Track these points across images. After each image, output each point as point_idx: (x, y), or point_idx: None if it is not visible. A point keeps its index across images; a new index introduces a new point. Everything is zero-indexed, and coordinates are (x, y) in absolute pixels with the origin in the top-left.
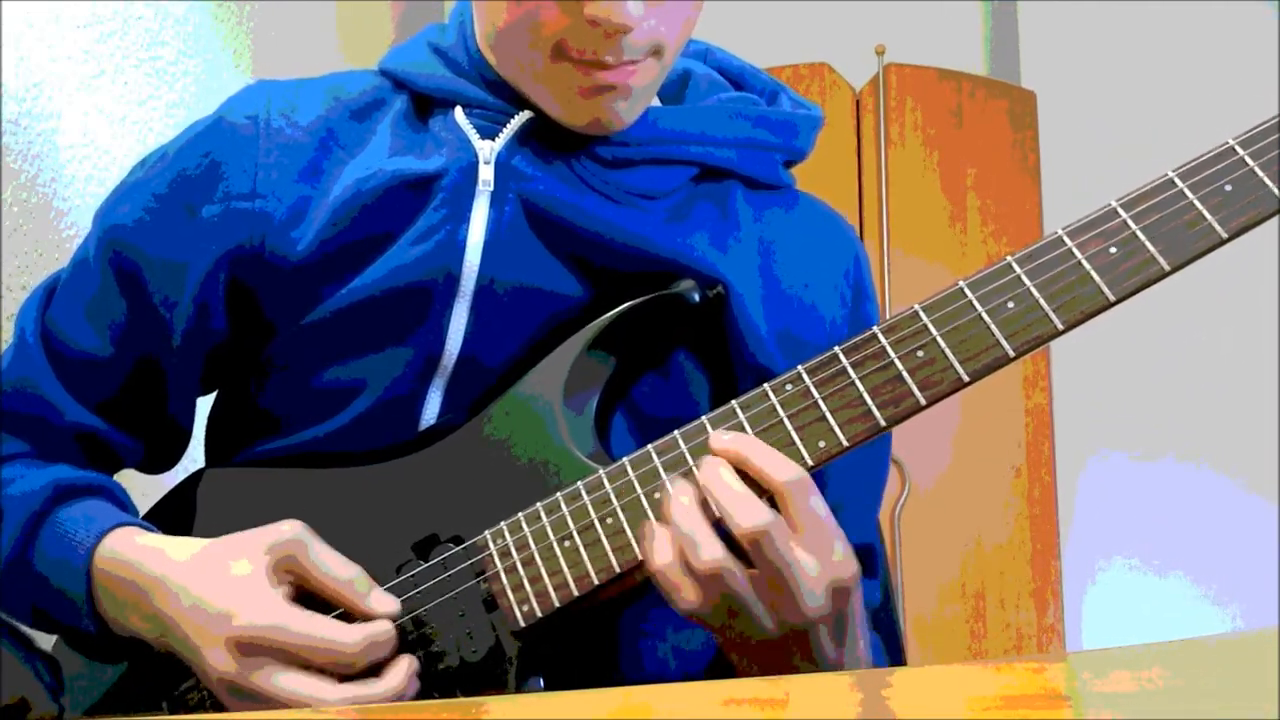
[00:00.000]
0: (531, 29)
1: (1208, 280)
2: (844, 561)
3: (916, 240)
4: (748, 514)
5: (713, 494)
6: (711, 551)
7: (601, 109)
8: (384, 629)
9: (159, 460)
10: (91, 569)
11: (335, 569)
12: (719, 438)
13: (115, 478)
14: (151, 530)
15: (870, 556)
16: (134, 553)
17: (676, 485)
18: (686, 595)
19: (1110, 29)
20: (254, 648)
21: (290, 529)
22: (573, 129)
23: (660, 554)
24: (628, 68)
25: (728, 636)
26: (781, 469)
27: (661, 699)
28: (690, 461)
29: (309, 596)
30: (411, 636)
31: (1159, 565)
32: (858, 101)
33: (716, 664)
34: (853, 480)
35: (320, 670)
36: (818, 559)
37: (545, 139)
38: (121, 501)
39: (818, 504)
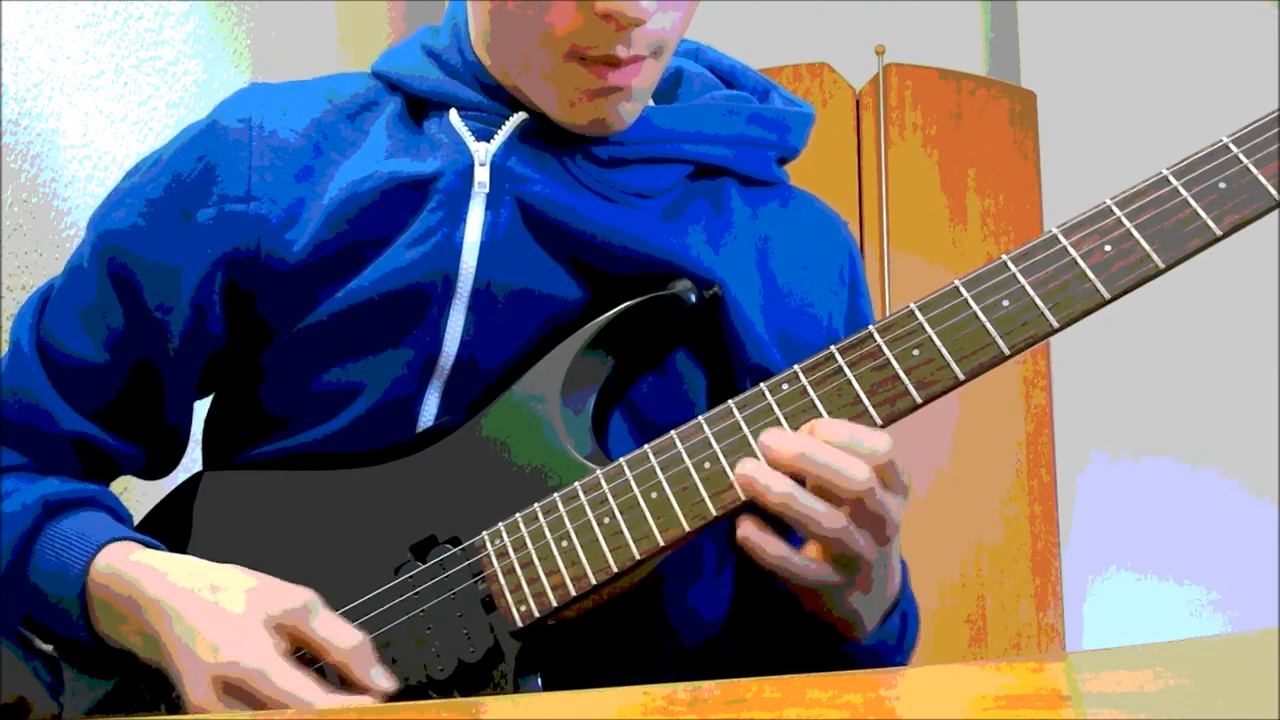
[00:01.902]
0: (543, 28)
1: (1209, 279)
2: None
3: (916, 240)
4: (856, 469)
5: (816, 458)
6: (860, 471)
7: (605, 110)
8: (366, 704)
9: (158, 466)
10: (86, 584)
11: (338, 639)
12: (777, 442)
13: (115, 483)
14: (148, 544)
15: None
16: (131, 570)
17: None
18: (822, 514)
19: (1110, 29)
20: (234, 688)
21: (299, 597)
22: (573, 130)
23: (778, 485)
24: (633, 68)
25: (826, 577)
26: (877, 441)
27: (661, 698)
28: (688, 462)
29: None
30: (410, 638)
31: (1159, 565)
32: (858, 101)
33: (713, 663)
34: None
35: None
36: (898, 494)
37: (540, 140)
38: (114, 510)
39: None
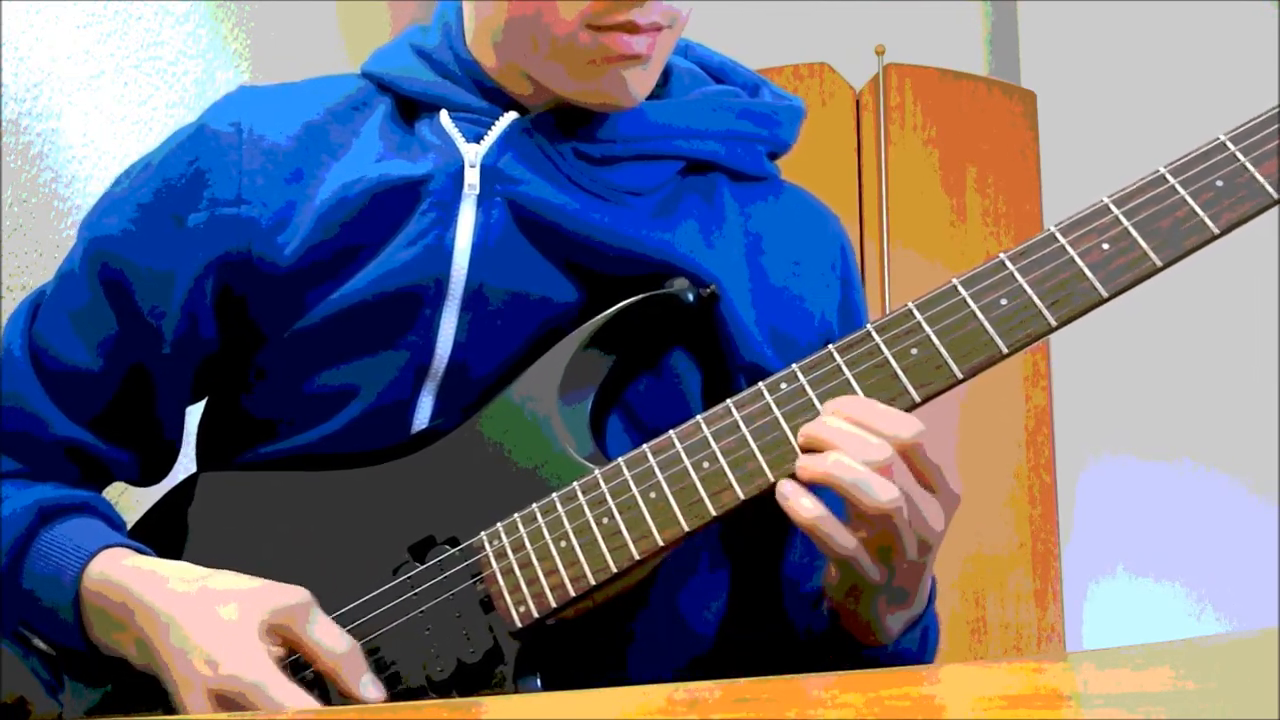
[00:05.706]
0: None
1: (1208, 278)
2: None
3: (916, 240)
4: (906, 426)
5: (862, 420)
6: (888, 491)
7: (616, 80)
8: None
9: (151, 472)
10: (80, 590)
11: (330, 644)
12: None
13: (112, 487)
14: (142, 551)
15: None
16: (124, 575)
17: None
18: (845, 540)
19: (1110, 29)
20: (232, 703)
21: (296, 596)
22: (585, 106)
23: (808, 510)
24: (650, 36)
25: (867, 578)
26: (903, 427)
27: (661, 699)
28: (686, 461)
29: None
30: (409, 639)
31: (1159, 565)
32: (858, 101)
33: (710, 663)
34: None
35: None
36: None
37: (531, 141)
38: (108, 517)
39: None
